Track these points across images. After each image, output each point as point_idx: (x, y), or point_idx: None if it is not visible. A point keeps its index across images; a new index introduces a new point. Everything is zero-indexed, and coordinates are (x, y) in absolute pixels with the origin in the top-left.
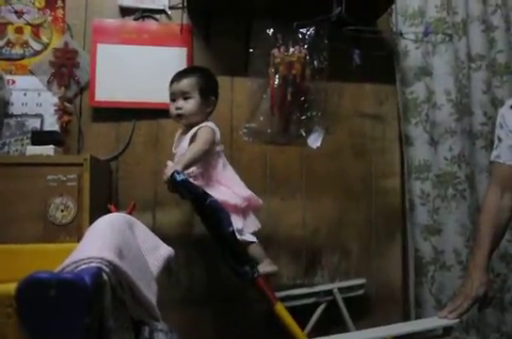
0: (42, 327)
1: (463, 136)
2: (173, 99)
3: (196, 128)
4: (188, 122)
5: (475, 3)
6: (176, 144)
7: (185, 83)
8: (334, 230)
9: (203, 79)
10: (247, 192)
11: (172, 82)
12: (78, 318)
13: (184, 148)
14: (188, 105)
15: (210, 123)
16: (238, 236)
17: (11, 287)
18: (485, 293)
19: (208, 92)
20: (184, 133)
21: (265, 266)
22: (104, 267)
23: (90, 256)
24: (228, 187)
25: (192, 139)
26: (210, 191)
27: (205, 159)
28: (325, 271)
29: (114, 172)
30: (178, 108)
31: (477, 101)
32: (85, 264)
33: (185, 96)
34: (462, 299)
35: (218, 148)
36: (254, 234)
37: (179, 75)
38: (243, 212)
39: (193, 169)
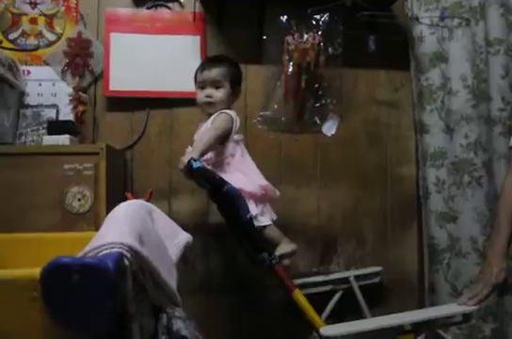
0: (67, 311)
1: (480, 122)
2: (202, 87)
3: (215, 114)
4: (215, 111)
5: None
6: (197, 131)
7: (217, 72)
8: (349, 218)
9: (233, 69)
10: (264, 181)
11: (202, 70)
12: (101, 302)
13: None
14: (219, 94)
15: (229, 111)
16: (254, 223)
17: (36, 272)
18: (504, 279)
19: (237, 82)
20: (206, 121)
21: (285, 246)
22: (125, 253)
23: (111, 242)
24: (245, 175)
25: None
26: (227, 178)
27: (222, 147)
28: (340, 259)
29: (129, 161)
30: (208, 96)
31: (495, 86)
32: (106, 249)
33: (217, 85)
34: (482, 286)
35: (237, 136)
36: None
37: (210, 64)
38: (260, 200)
39: (210, 155)
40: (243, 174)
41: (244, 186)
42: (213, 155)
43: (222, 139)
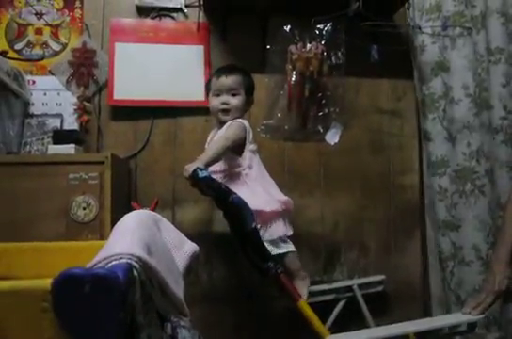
0: (77, 321)
1: (482, 130)
2: (217, 94)
3: (229, 122)
4: (230, 119)
5: None
6: (208, 140)
7: (234, 79)
8: (353, 226)
9: (248, 78)
10: (282, 196)
11: (218, 77)
12: (112, 313)
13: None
14: (236, 101)
15: (242, 120)
16: (275, 250)
17: (47, 282)
18: (508, 287)
19: (251, 91)
20: (217, 129)
21: (301, 285)
22: (134, 263)
23: (120, 252)
24: (264, 189)
25: None
26: (248, 195)
27: (239, 158)
28: (344, 268)
29: (133, 170)
30: (224, 103)
31: (496, 94)
32: (115, 260)
33: (233, 92)
34: (485, 295)
35: (252, 146)
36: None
37: (226, 71)
38: (282, 216)
39: (224, 167)
40: (262, 188)
41: (264, 207)
42: (228, 167)
43: (238, 150)
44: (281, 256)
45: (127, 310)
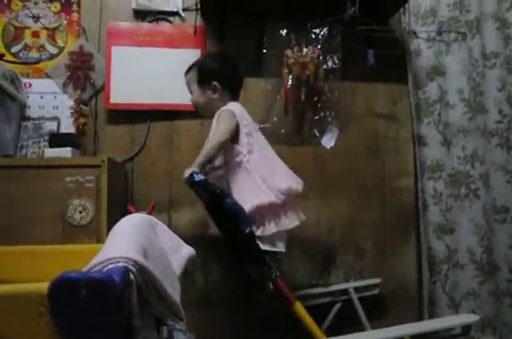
0: (74, 325)
1: (477, 134)
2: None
3: (217, 113)
4: (207, 115)
5: (489, 0)
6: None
7: (187, 78)
8: (348, 229)
9: (200, 67)
10: (285, 183)
11: None
12: (108, 317)
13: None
14: (193, 98)
15: (230, 105)
16: (264, 246)
17: (43, 286)
18: None
19: (206, 79)
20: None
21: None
22: (130, 267)
23: (117, 256)
24: (264, 179)
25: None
26: (242, 194)
27: (236, 146)
28: (339, 271)
29: (129, 174)
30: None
31: (492, 99)
32: (111, 263)
33: (190, 90)
34: None
35: (247, 129)
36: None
37: (185, 72)
38: (281, 208)
39: (222, 161)
40: (260, 177)
41: (259, 201)
42: (228, 158)
43: (234, 138)
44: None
45: (124, 313)
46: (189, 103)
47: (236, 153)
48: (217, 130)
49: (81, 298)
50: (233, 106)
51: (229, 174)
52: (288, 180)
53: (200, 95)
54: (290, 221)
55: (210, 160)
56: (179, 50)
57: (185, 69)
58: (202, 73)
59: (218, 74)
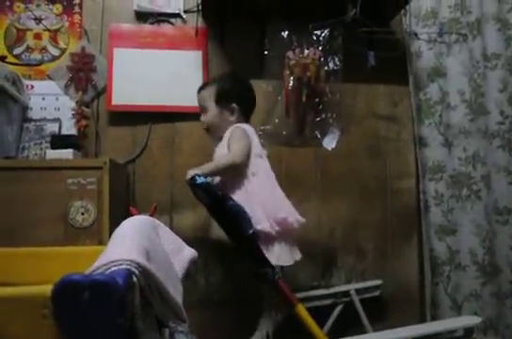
0: (77, 328)
1: (478, 136)
2: (201, 113)
3: (229, 130)
4: (217, 135)
5: (490, 1)
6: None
7: (201, 96)
8: (350, 231)
9: (219, 87)
10: (282, 213)
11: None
12: (112, 319)
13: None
14: (207, 118)
15: (240, 124)
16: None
17: (47, 289)
18: None
19: (225, 100)
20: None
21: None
22: (133, 269)
23: (120, 258)
24: (262, 205)
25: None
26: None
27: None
28: (341, 272)
29: (131, 175)
30: (203, 123)
31: (493, 100)
32: (114, 266)
33: (204, 109)
34: None
35: (257, 151)
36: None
37: (199, 88)
38: (276, 239)
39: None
40: (259, 202)
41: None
42: (230, 176)
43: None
44: None
45: (126, 316)
46: (191, 104)
47: (240, 173)
48: (234, 148)
49: (84, 300)
50: (247, 126)
51: (226, 191)
52: (287, 211)
53: (217, 116)
54: (283, 257)
55: (214, 175)
56: (180, 52)
57: (201, 85)
58: (222, 94)
59: (238, 96)
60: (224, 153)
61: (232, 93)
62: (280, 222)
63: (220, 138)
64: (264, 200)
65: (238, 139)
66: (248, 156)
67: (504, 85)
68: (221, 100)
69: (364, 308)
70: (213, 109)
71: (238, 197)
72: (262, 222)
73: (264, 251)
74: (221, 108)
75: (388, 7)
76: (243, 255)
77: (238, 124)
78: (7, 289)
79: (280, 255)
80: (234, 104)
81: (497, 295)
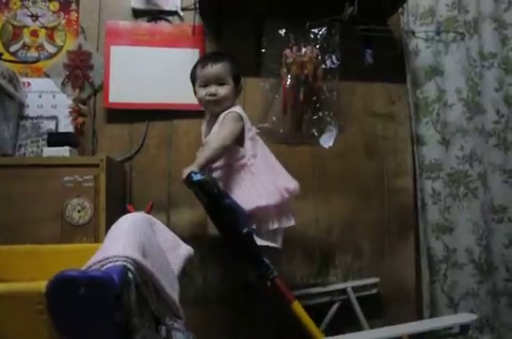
0: (73, 323)
1: (475, 134)
2: (205, 84)
3: (223, 114)
4: (221, 109)
5: (487, 1)
6: (205, 132)
7: (220, 68)
8: (347, 229)
9: (234, 65)
10: (290, 184)
11: (203, 66)
12: (107, 315)
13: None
14: (224, 91)
15: (237, 108)
16: (262, 242)
17: (41, 285)
18: None
19: (239, 79)
20: (212, 120)
21: None
22: (129, 266)
23: (116, 255)
24: (269, 178)
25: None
26: (245, 194)
27: (241, 149)
28: (338, 270)
29: (128, 173)
30: (213, 94)
31: (489, 99)
32: (110, 262)
33: (221, 82)
34: None
35: (251, 134)
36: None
37: (211, 59)
38: (283, 207)
39: (226, 162)
40: (267, 178)
41: (268, 201)
42: (231, 161)
43: (240, 139)
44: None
45: (122, 312)
46: (188, 102)
47: (241, 156)
48: (222, 133)
49: (79, 296)
50: (240, 109)
51: (230, 176)
52: (290, 181)
53: (232, 91)
54: (289, 220)
55: (213, 161)
56: (177, 49)
57: (210, 56)
58: (238, 72)
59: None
60: (216, 133)
61: (240, 75)
62: (291, 191)
63: (217, 115)
64: (271, 176)
65: (227, 124)
66: (241, 138)
67: (499, 84)
68: (237, 78)
69: (361, 306)
70: (231, 84)
71: (245, 180)
72: (275, 196)
73: (276, 218)
74: (236, 86)
75: (385, 5)
76: (236, 257)
77: (236, 108)
78: (1, 285)
79: (287, 218)
80: (241, 86)
81: (493, 293)
